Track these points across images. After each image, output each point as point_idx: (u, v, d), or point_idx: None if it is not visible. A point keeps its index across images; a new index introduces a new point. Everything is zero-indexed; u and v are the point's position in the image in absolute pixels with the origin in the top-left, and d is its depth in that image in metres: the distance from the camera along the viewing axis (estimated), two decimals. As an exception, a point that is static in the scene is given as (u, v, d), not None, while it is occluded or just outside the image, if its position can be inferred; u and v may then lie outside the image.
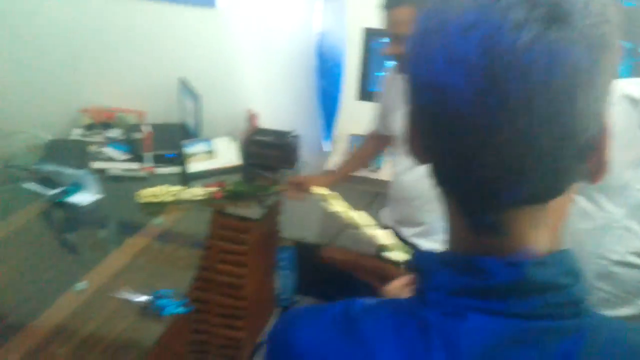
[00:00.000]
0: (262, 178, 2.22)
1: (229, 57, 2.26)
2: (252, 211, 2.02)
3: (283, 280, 2.62)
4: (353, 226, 1.13)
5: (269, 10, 2.21)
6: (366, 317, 0.50)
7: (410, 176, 1.62)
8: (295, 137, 2.36)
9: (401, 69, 1.57)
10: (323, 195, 1.17)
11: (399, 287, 0.97)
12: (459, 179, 0.46)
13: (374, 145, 1.94)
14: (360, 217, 1.12)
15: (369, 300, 0.53)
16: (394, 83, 1.68)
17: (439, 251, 0.52)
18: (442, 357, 0.45)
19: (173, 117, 2.41)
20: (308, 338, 0.52)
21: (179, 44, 2.30)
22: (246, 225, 1.98)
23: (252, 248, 2.05)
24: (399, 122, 1.65)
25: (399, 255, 1.04)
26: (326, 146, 2.56)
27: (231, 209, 1.99)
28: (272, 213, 2.29)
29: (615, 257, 1.16)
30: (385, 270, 1.72)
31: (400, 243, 1.08)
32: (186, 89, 2.29)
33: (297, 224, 2.61)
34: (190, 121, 2.34)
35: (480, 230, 0.47)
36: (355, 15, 2.30)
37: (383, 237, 1.07)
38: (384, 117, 1.77)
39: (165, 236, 1.77)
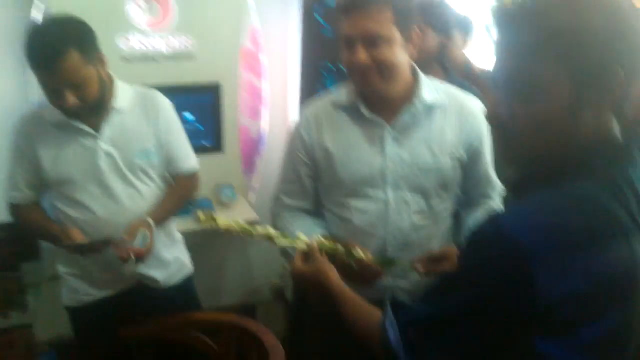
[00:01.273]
0: (5, 281, 1.88)
1: None
2: (8, 321, 1.69)
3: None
4: (246, 233, 1.12)
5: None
6: None
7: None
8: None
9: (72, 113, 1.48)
10: (206, 218, 1.13)
11: (302, 264, 1.09)
12: None
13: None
14: (245, 224, 1.13)
15: None
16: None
17: None
18: None
19: None
20: None
21: None
22: (8, 338, 1.65)
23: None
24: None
25: (290, 241, 1.12)
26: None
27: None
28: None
29: (407, 226, 1.34)
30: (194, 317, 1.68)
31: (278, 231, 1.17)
32: None
33: (48, 322, 2.25)
34: None
35: None
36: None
37: (271, 230, 1.17)
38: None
39: None
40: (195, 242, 2.64)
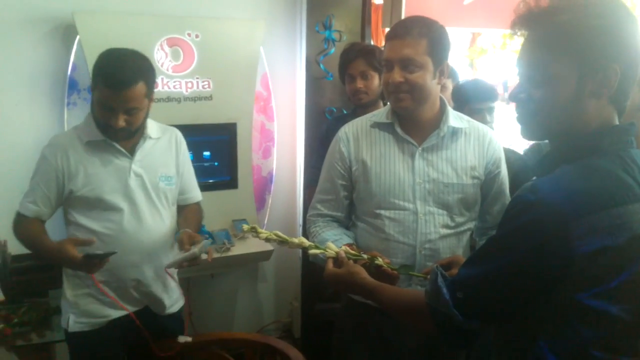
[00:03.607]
0: (38, 305, 1.95)
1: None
2: (43, 338, 1.76)
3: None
4: (282, 242, 1.27)
5: None
6: None
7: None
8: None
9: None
10: (248, 229, 1.29)
11: (333, 268, 1.18)
12: None
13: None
14: (281, 234, 1.29)
15: None
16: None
17: None
18: None
19: None
20: None
21: None
22: (46, 353, 1.72)
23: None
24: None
25: (321, 250, 1.29)
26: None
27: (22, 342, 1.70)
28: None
29: (433, 235, 1.49)
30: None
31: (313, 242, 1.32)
32: None
33: None
34: None
35: None
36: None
37: (305, 241, 1.31)
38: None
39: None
40: (205, 282, 2.73)
